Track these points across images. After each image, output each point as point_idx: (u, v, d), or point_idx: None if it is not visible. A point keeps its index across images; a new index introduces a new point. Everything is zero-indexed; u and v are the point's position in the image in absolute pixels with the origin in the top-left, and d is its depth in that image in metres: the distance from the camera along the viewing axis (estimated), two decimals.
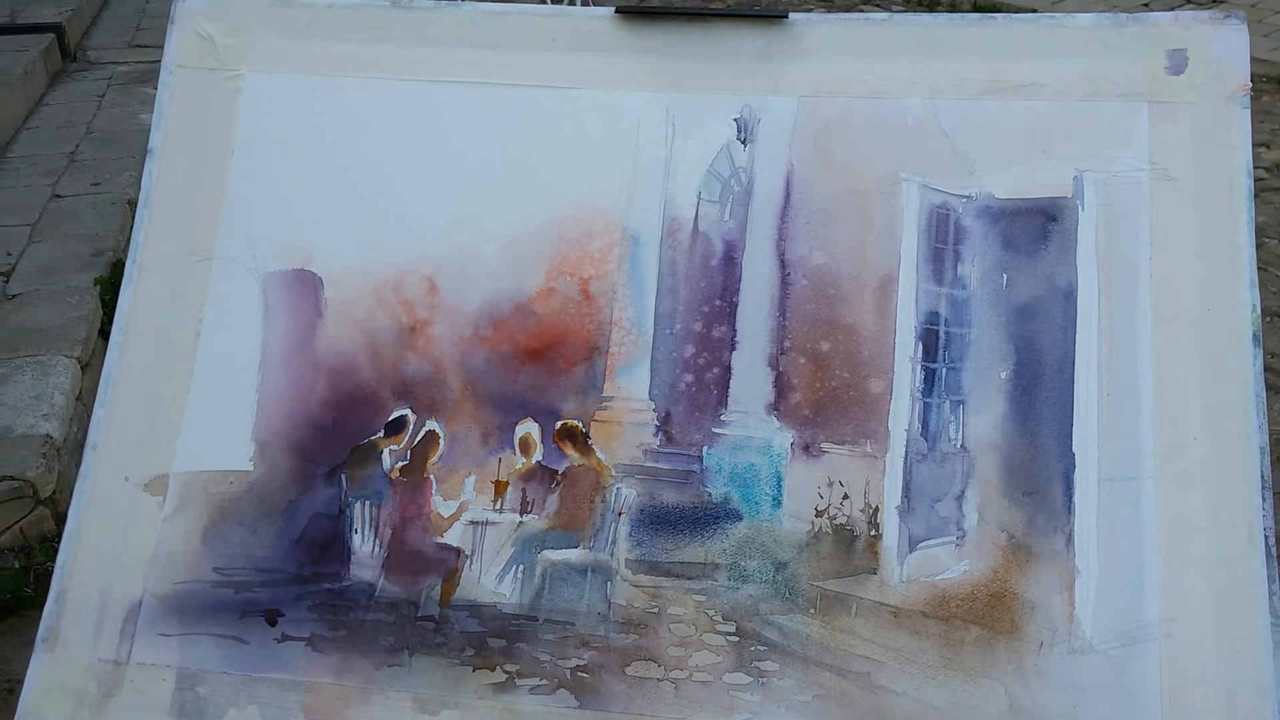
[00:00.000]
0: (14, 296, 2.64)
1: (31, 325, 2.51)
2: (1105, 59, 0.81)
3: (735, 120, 0.84)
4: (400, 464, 0.83)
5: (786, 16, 0.84)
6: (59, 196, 3.19)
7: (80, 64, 4.71)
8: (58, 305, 2.60)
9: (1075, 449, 0.79)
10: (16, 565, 2.01)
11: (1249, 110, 0.79)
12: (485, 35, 0.87)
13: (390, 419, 0.84)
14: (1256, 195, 3.11)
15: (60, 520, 2.10)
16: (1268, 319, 3.17)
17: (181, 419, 0.83)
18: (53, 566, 2.01)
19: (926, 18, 0.85)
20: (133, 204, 3.15)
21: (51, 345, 2.44)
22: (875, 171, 0.82)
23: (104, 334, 2.62)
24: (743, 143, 0.83)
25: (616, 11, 0.85)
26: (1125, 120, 0.80)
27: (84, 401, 2.39)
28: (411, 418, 0.83)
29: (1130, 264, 0.78)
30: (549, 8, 0.84)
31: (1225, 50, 0.80)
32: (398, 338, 0.83)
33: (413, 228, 0.85)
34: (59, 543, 2.07)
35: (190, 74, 0.87)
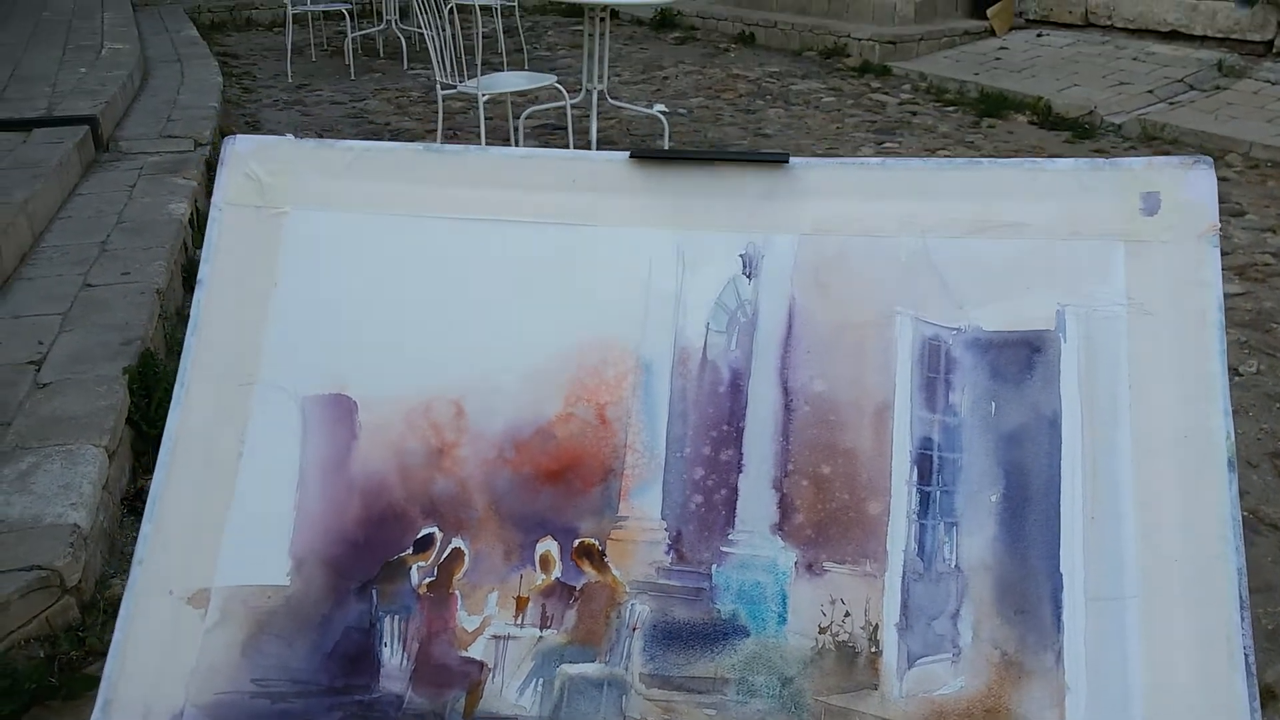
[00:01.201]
0: (45, 385, 2.72)
1: (61, 414, 2.58)
2: (1083, 201, 0.87)
3: (741, 256, 0.91)
4: (427, 580, 0.88)
5: (787, 160, 0.91)
6: (90, 286, 3.29)
7: (113, 154, 4.87)
8: (87, 394, 2.67)
9: (1063, 569, 0.83)
10: (41, 655, 2.04)
11: (1218, 249, 0.85)
12: (510, 177, 0.94)
13: (419, 536, 0.89)
14: (1263, 280, 3.16)
15: (85, 609, 2.14)
16: (1278, 403, 3.20)
17: (223, 535, 0.88)
18: (77, 656, 2.05)
19: (916, 162, 0.92)
20: (161, 293, 3.26)
21: (80, 434, 2.50)
22: (871, 305, 0.88)
23: (131, 422, 2.69)
24: (748, 277, 0.90)
25: (631, 156, 0.92)
26: (1103, 258, 0.86)
27: (110, 490, 2.45)
28: (438, 535, 0.89)
29: (1110, 394, 0.84)
30: (569, 152, 0.92)
31: (1195, 193, 0.86)
32: (426, 459, 0.88)
33: (441, 355, 0.91)
34: (84, 632, 2.11)
35: (238, 211, 0.94)
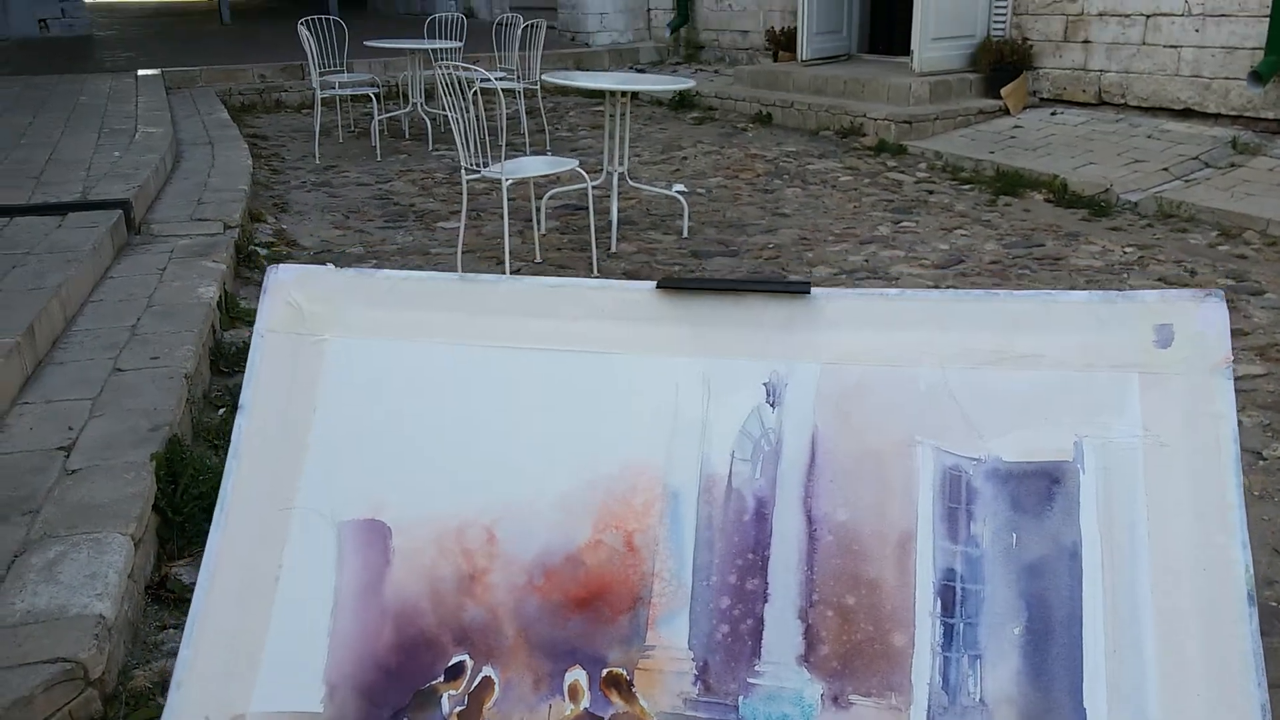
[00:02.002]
0: (73, 472, 2.76)
1: (89, 501, 2.62)
2: (1098, 333, 0.90)
3: (764, 384, 0.93)
4: (458, 709, 0.89)
5: (809, 291, 0.94)
6: (120, 370, 3.35)
7: (144, 236, 4.99)
8: (115, 481, 2.71)
9: (1086, 703, 0.84)
10: None
11: (1232, 380, 0.87)
12: (541, 305, 0.97)
13: (450, 664, 0.90)
14: None
15: (107, 701, 2.15)
16: None
17: (259, 660, 0.90)
18: None
19: (934, 294, 0.95)
20: (189, 378, 3.31)
21: (107, 522, 2.53)
22: (892, 434, 0.91)
23: (157, 509, 2.72)
24: (771, 405, 0.92)
25: (658, 286, 0.96)
26: (1118, 389, 0.88)
27: (134, 578, 2.47)
28: (469, 663, 0.90)
29: (1129, 527, 0.85)
30: (598, 282, 0.95)
31: (1207, 325, 0.89)
32: (458, 585, 0.90)
33: (473, 481, 0.93)
34: None
35: (279, 338, 0.97)
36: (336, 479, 0.94)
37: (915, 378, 0.92)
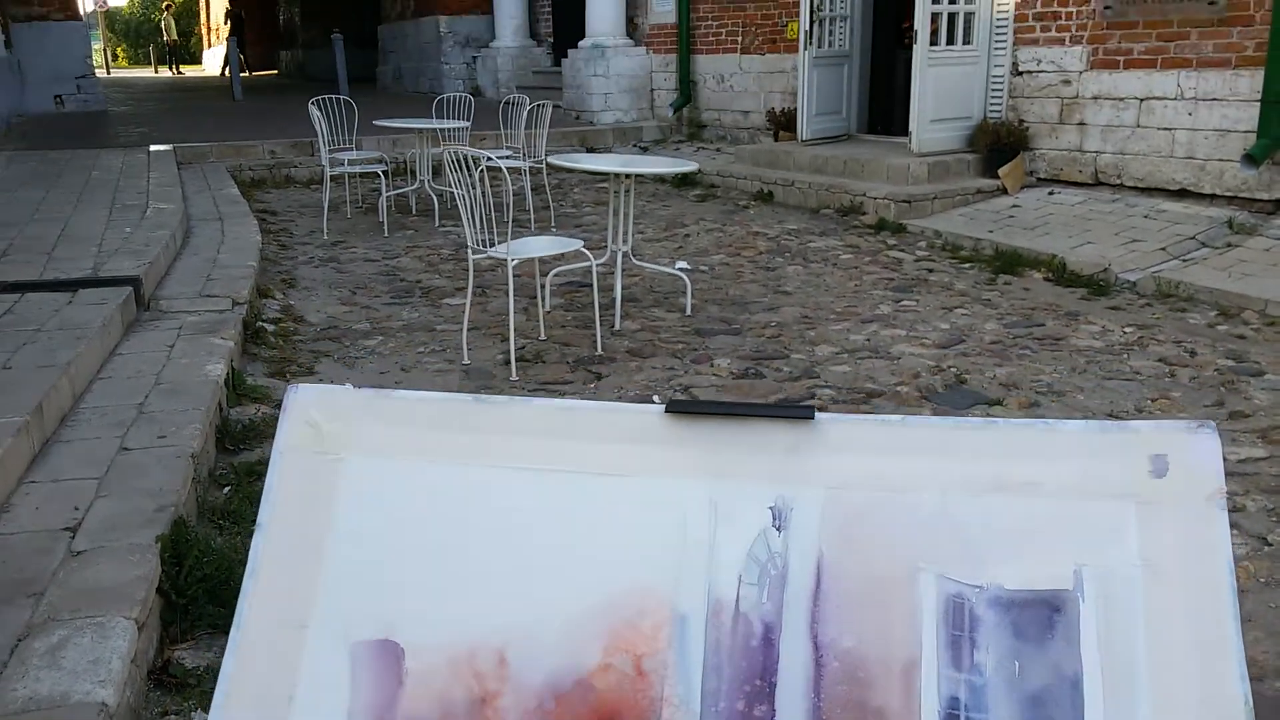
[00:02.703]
0: (79, 554, 2.76)
1: (94, 584, 2.62)
2: (1095, 462, 0.92)
3: (771, 508, 0.96)
4: None
5: (813, 416, 0.97)
6: (126, 449, 3.37)
7: (153, 313, 5.04)
8: (119, 564, 2.71)
9: None
10: None
11: (1226, 511, 0.89)
12: (552, 426, 1.00)
13: None
14: None
15: None
16: None
17: None
18: None
19: (936, 420, 0.97)
20: (195, 457, 3.33)
21: (111, 605, 2.53)
22: (896, 560, 0.93)
23: (161, 591, 2.72)
24: (777, 529, 0.94)
25: (667, 410, 0.99)
26: (1116, 519, 0.91)
27: (137, 663, 2.46)
28: None
29: (1129, 657, 0.87)
30: (608, 404, 0.98)
31: (1200, 456, 0.91)
32: (470, 709, 0.92)
33: (485, 603, 0.95)
34: None
35: (297, 456, 1.00)
36: (351, 599, 0.95)
37: (918, 504, 0.94)
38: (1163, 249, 6.73)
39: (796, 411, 0.97)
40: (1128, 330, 5.33)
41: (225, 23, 32.22)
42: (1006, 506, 0.92)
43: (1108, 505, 0.91)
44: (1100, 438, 0.93)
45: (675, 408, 0.98)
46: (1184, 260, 6.54)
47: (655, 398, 4.30)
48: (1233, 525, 3.18)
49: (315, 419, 1.00)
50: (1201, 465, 0.91)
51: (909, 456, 0.95)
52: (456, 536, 0.97)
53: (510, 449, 0.99)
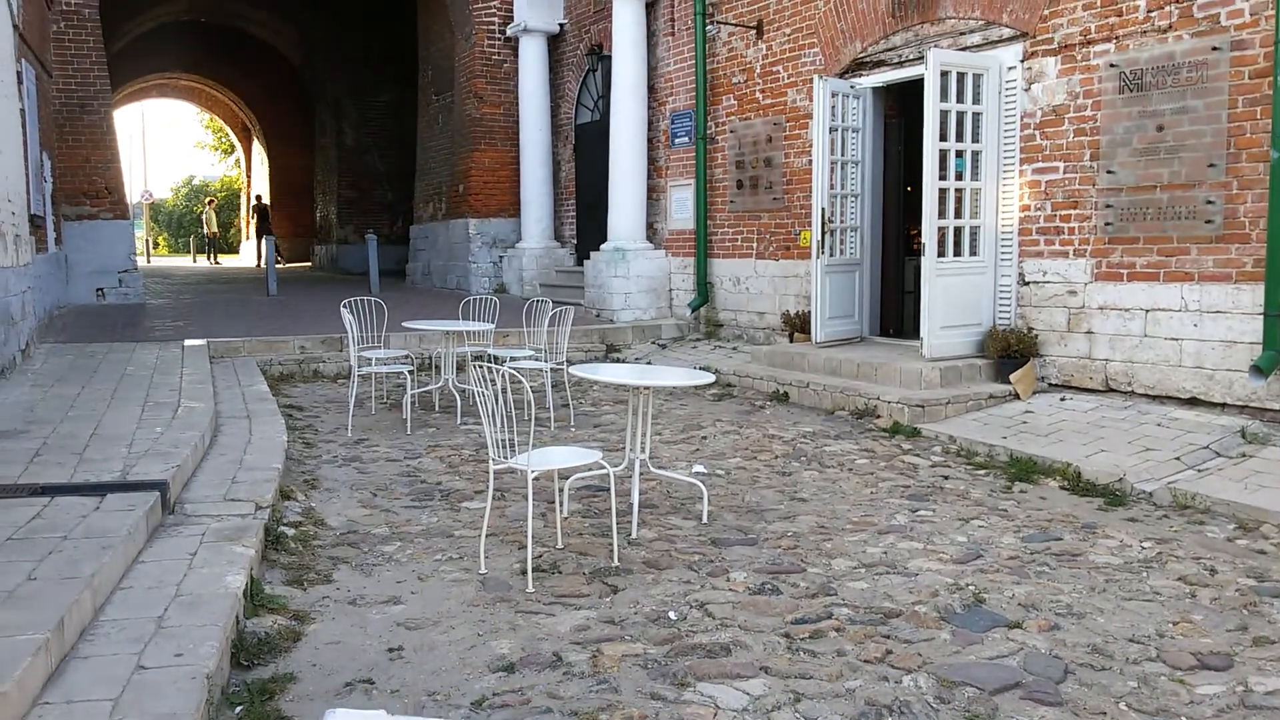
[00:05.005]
0: None
1: None
2: None
3: None
4: None
5: None
6: (143, 668, 3.37)
7: (178, 517, 5.12)
8: None
9: None
10: None
11: None
12: None
13: None
14: None
15: None
16: None
17: None
18: None
19: None
20: (210, 677, 3.32)
21: None
22: None
23: None
24: None
25: None
26: None
27: None
28: None
29: None
30: None
31: None
32: None
33: None
34: None
35: None
36: None
37: None
38: (1177, 458, 6.76)
39: None
40: (1146, 545, 5.31)
41: (251, 216, 33.93)
42: None
43: None
44: None
45: None
46: (1199, 470, 6.56)
47: (671, 614, 4.28)
48: None
49: None
50: None
51: None
52: None
53: None
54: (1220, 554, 5.15)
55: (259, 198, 33.49)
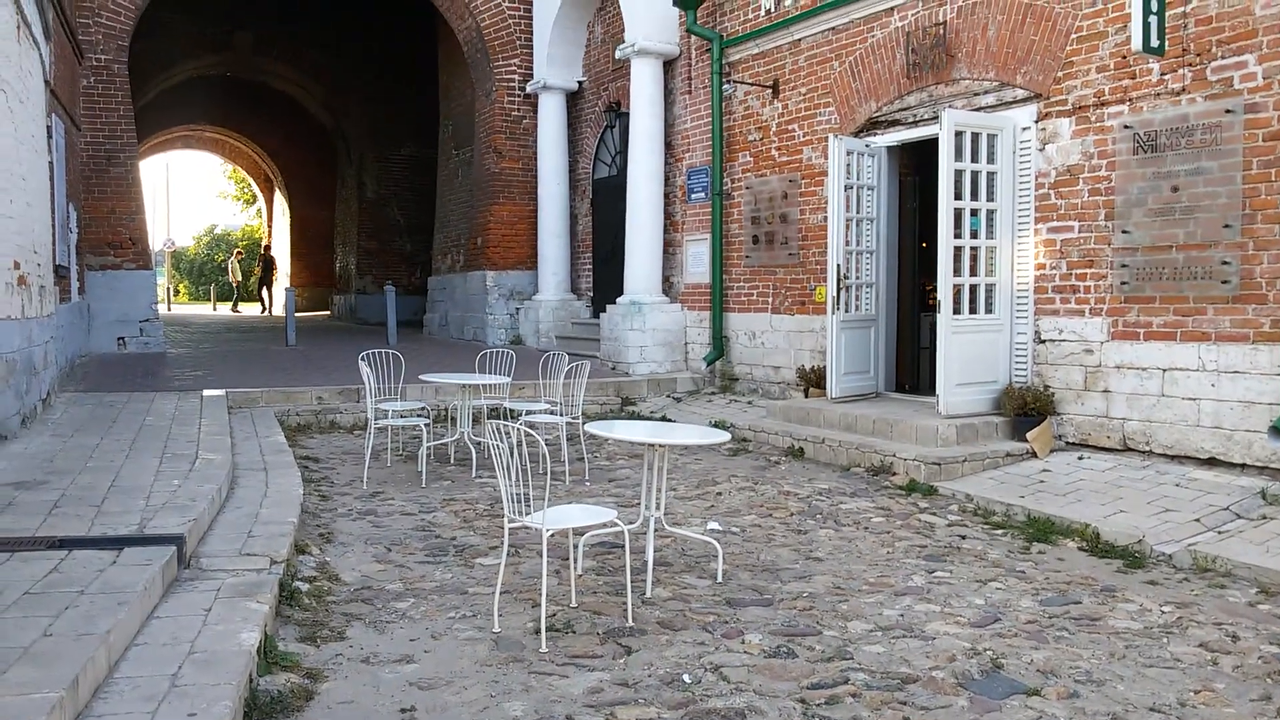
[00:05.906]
0: None
1: None
2: None
3: None
4: None
5: None
6: None
7: (193, 571, 5.13)
8: None
9: None
10: None
11: None
12: None
13: None
14: None
15: None
16: None
17: None
18: None
19: None
20: None
21: None
22: None
23: None
24: None
25: None
26: None
27: None
28: None
29: None
30: None
31: None
32: None
33: None
34: None
35: None
36: None
37: None
38: (1197, 520, 6.69)
39: None
40: (1166, 609, 5.24)
41: (257, 265, 34.47)
42: None
43: None
44: None
45: None
46: (1219, 532, 6.49)
47: (685, 677, 4.25)
48: None
49: None
50: None
51: None
52: None
53: None
54: (1242, 619, 5.08)
55: (267, 248, 34.18)
